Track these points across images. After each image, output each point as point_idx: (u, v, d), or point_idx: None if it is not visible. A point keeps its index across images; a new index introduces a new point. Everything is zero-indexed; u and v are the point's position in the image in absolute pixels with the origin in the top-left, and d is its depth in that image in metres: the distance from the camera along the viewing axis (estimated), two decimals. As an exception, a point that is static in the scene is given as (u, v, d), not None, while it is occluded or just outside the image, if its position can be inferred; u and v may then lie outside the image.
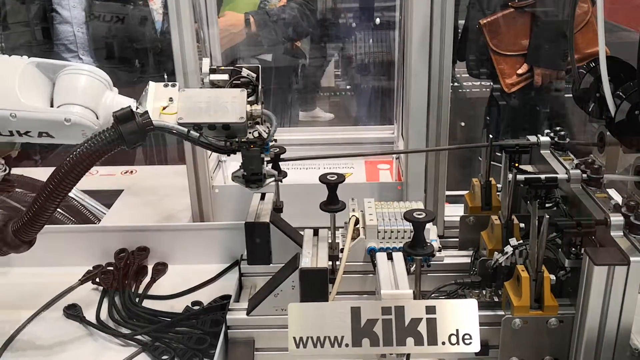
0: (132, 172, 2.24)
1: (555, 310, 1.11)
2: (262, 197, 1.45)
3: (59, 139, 1.15)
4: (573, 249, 1.14)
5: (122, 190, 2.07)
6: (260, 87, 1.23)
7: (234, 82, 1.23)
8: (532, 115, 2.69)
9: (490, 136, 1.34)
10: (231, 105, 1.16)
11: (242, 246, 1.39)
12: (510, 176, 1.25)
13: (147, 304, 1.52)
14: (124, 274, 1.57)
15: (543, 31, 2.51)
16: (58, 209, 1.91)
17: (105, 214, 1.98)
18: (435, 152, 1.61)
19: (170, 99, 1.17)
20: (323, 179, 1.29)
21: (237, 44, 2.66)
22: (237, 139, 1.17)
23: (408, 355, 1.19)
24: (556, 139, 1.37)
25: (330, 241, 1.29)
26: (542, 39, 2.53)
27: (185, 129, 1.14)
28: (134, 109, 1.12)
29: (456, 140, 2.71)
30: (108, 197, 2.02)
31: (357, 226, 1.30)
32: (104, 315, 1.47)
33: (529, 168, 1.38)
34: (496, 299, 1.24)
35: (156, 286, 1.60)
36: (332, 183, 1.28)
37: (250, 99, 1.20)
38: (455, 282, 1.26)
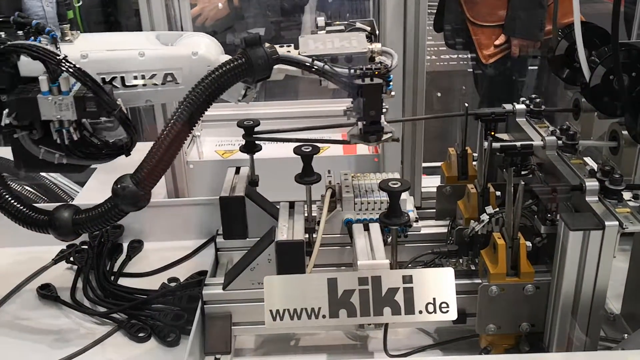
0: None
1: (532, 276, 1.11)
2: (237, 171, 1.43)
3: (183, 84, 1.12)
4: (549, 215, 1.13)
5: (95, 168, 2.03)
6: (377, 34, 1.21)
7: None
8: (509, 84, 2.69)
9: (466, 105, 1.33)
10: (353, 40, 1.14)
11: (218, 221, 1.37)
12: (486, 144, 1.24)
13: (123, 282, 1.50)
14: (99, 253, 1.55)
15: (520, 1, 2.50)
16: (29, 188, 1.89)
17: (78, 192, 1.94)
18: (411, 123, 1.59)
19: (288, 52, 1.14)
20: (297, 150, 1.27)
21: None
22: (361, 67, 1.12)
23: (386, 325, 1.19)
24: (532, 107, 1.36)
25: (306, 214, 1.28)
26: (519, 10, 2.51)
27: (309, 59, 1.10)
28: None
29: (433, 112, 2.71)
30: (81, 175, 1.98)
31: (334, 198, 1.29)
32: (79, 294, 1.45)
33: (505, 136, 1.38)
34: (473, 268, 1.24)
35: (132, 264, 1.58)
36: (306, 155, 1.26)
37: None
38: (432, 252, 1.26)
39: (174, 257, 1.57)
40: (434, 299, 1.04)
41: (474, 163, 1.39)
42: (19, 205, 1.13)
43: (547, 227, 1.13)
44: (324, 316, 1.04)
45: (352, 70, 1.10)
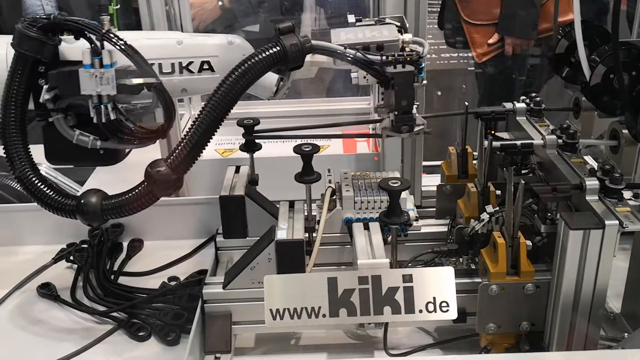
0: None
1: (532, 275, 1.11)
2: (237, 170, 1.43)
3: (219, 72, 1.14)
4: (549, 214, 1.13)
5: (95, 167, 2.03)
6: (406, 27, 1.23)
7: None
8: (509, 83, 2.70)
9: (466, 103, 1.33)
10: (384, 30, 1.16)
11: (218, 220, 1.37)
12: (486, 143, 1.24)
13: (123, 281, 1.50)
14: (99, 252, 1.55)
15: (513, 0, 2.52)
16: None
17: (78, 191, 1.94)
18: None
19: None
20: (297, 149, 1.27)
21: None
22: (393, 53, 1.12)
23: (386, 324, 1.19)
24: (532, 105, 1.36)
25: (306, 213, 1.28)
26: (512, 9, 2.53)
27: (342, 47, 1.11)
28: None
29: (433, 110, 2.71)
30: (81, 174, 1.98)
31: (334, 197, 1.29)
32: (79, 293, 1.45)
33: (505, 135, 1.38)
34: (473, 267, 1.24)
35: (132, 263, 1.58)
36: (306, 154, 1.26)
37: None
38: (432, 251, 1.26)
39: (173, 256, 1.57)
40: (434, 298, 1.04)
41: (474, 162, 1.39)
42: (47, 190, 1.13)
43: (547, 226, 1.13)
44: (324, 315, 1.04)
45: (383, 57, 1.10)
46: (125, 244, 1.63)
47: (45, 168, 2.04)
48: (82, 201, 1.12)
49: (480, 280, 1.15)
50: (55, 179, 1.96)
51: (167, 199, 1.71)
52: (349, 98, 2.21)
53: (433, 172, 1.70)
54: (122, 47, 1.05)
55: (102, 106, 1.08)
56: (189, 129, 1.06)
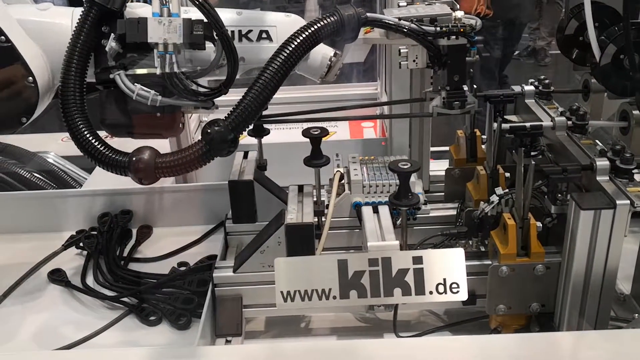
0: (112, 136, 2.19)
1: (542, 257, 1.11)
2: (245, 155, 1.43)
3: (277, 42, 1.15)
4: (559, 195, 1.13)
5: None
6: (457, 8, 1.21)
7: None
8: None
9: (475, 86, 1.33)
10: (436, 7, 1.16)
11: (227, 206, 1.37)
12: (495, 126, 1.24)
13: (133, 267, 1.51)
14: (108, 238, 1.55)
15: None
16: (37, 175, 1.89)
17: (86, 179, 1.95)
18: (419, 105, 1.58)
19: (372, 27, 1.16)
20: (306, 133, 1.27)
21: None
22: (447, 24, 1.12)
23: (396, 307, 1.19)
24: (540, 88, 1.35)
25: (315, 197, 1.28)
26: None
27: (395, 19, 1.11)
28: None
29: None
30: (89, 162, 1.98)
31: (342, 182, 1.29)
32: (89, 279, 1.46)
33: (513, 118, 1.37)
34: (483, 249, 1.24)
35: (142, 249, 1.59)
36: (315, 137, 1.26)
37: None
38: (442, 234, 1.25)
39: (183, 242, 1.58)
40: (444, 279, 1.04)
41: (483, 146, 1.39)
42: (99, 146, 1.10)
43: (558, 207, 1.12)
44: (334, 297, 1.04)
45: (437, 29, 1.10)
46: (134, 231, 1.63)
47: (53, 156, 2.06)
48: (134, 158, 1.08)
49: (490, 262, 1.15)
50: (63, 167, 1.97)
51: (175, 185, 1.73)
52: (356, 84, 2.21)
53: (440, 157, 1.69)
54: None
55: (167, 55, 1.06)
56: (247, 91, 1.05)
